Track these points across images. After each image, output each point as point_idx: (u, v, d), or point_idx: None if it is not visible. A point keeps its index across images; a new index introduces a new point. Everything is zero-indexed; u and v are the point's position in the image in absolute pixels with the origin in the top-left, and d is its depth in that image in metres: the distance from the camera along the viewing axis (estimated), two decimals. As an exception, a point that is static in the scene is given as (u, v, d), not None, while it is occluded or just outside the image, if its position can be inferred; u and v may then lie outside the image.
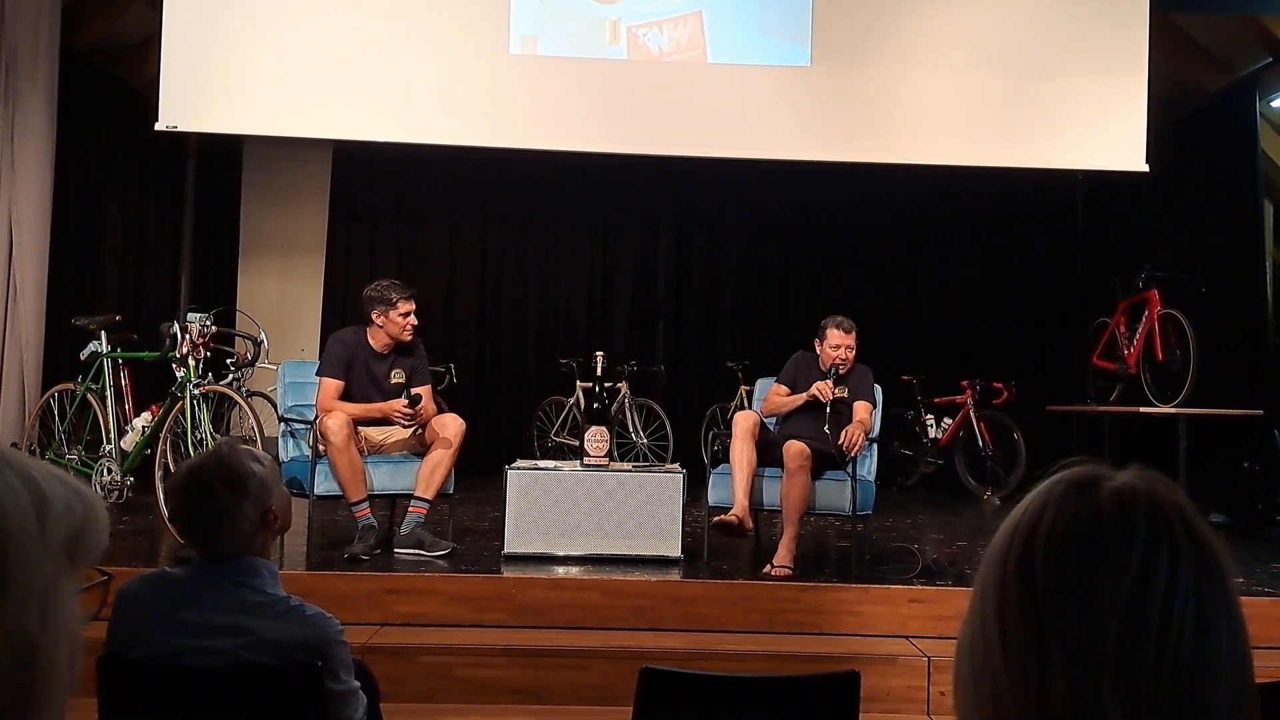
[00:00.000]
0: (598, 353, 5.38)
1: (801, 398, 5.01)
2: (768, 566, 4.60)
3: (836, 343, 5.00)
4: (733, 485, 4.80)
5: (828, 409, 4.84)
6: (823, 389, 4.88)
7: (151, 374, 5.87)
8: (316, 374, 5.04)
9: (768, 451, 4.93)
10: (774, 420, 5.24)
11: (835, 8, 6.73)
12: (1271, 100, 7.23)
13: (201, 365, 5.26)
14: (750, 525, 4.81)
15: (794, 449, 4.69)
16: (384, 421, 4.97)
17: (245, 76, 6.55)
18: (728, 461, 4.94)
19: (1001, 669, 0.76)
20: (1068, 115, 6.72)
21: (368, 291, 5.08)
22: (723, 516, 4.74)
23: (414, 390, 4.94)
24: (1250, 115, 7.17)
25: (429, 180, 8.82)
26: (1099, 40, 6.71)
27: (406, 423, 4.90)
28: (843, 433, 4.77)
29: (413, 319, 5.01)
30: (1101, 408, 7.54)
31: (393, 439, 5.05)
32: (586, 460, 4.97)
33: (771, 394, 5.23)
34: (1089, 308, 8.45)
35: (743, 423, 4.89)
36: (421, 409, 4.90)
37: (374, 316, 5.00)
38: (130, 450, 5.49)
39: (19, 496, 0.70)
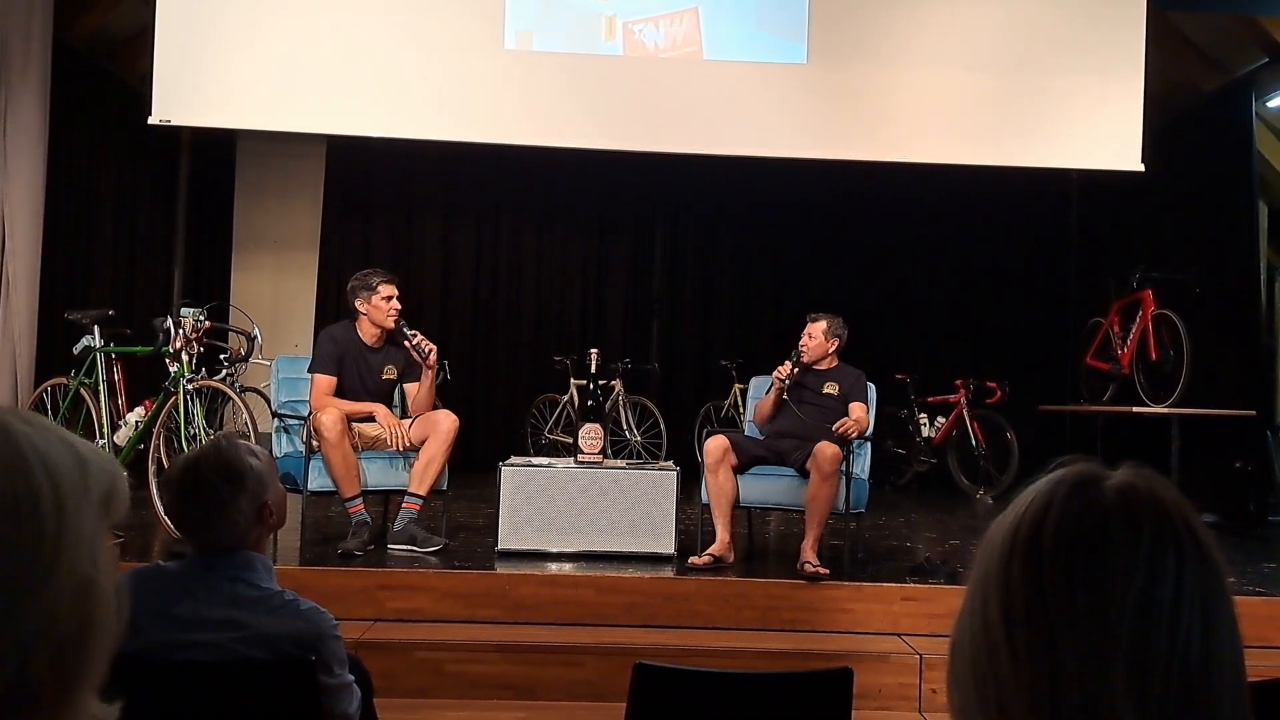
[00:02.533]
0: (592, 350, 5.37)
1: (773, 394, 5.04)
2: (809, 567, 4.49)
3: (803, 332, 5.11)
4: (714, 519, 4.75)
5: (786, 389, 4.94)
6: (780, 370, 4.97)
7: (145, 369, 5.85)
8: (308, 370, 5.02)
9: (759, 455, 4.92)
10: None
11: (832, 6, 6.73)
12: (1268, 101, 7.25)
13: (195, 360, 5.24)
14: (731, 558, 4.74)
15: (829, 452, 4.61)
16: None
17: (239, 71, 6.54)
18: None
19: (1009, 671, 0.76)
20: (1063, 114, 6.72)
21: (351, 282, 5.09)
22: (698, 560, 4.62)
23: (406, 384, 4.97)
24: (1246, 116, 7.18)
25: (423, 176, 8.80)
26: (1095, 40, 6.71)
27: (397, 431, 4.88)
28: (839, 423, 4.75)
29: (395, 304, 4.99)
30: (1095, 407, 7.55)
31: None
32: (580, 457, 4.96)
33: (758, 405, 5.25)
34: (1083, 307, 8.46)
35: (714, 452, 4.76)
36: (416, 403, 4.91)
37: (358, 305, 5.00)
38: (123, 445, 5.47)
39: (64, 453, 0.77)
